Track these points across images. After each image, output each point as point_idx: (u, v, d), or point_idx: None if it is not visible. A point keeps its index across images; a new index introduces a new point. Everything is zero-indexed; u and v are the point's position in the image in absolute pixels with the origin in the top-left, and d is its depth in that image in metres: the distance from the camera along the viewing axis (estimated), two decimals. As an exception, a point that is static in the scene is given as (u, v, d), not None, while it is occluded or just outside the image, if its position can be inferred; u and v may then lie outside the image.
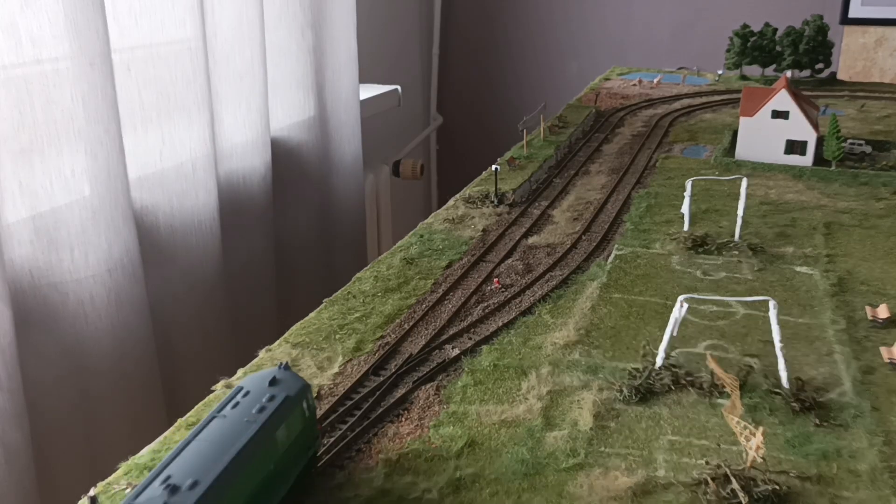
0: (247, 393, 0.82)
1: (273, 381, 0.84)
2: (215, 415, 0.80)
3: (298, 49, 2.27)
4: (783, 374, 1.09)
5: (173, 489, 0.68)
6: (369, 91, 2.88)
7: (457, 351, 1.20)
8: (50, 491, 1.59)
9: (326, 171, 2.48)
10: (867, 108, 2.76)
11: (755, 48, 3.04)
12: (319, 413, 1.04)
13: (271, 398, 0.82)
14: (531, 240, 1.64)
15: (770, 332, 1.11)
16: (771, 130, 2.06)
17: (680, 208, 1.72)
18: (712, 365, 1.07)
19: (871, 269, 1.49)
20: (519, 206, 1.82)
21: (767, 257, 1.54)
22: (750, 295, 1.37)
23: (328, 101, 2.43)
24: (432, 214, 1.75)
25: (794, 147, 2.06)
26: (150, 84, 1.74)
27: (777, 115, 2.05)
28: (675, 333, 1.13)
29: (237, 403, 0.81)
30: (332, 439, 0.99)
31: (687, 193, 1.64)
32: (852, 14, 3.71)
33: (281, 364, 0.88)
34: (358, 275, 1.47)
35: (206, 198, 1.90)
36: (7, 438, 1.43)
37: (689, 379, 1.11)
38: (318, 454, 0.94)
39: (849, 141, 2.17)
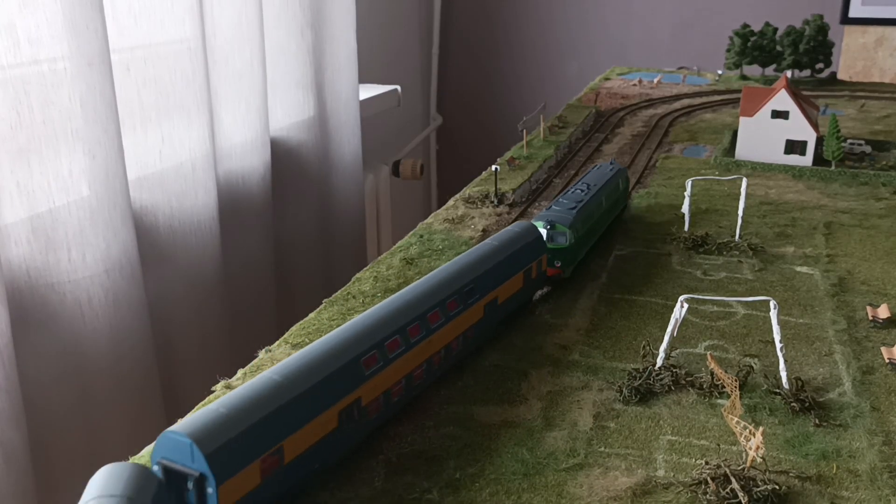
0: (600, 167, 1.66)
1: (612, 162, 1.70)
2: (590, 170, 1.65)
3: (298, 49, 2.27)
4: (783, 375, 1.09)
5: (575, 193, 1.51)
6: (369, 91, 2.87)
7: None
8: (49, 491, 1.58)
9: (326, 171, 2.47)
10: (867, 108, 2.76)
11: (755, 48, 3.04)
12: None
13: (612, 167, 1.67)
14: (531, 240, 1.63)
15: (770, 332, 1.10)
16: (771, 130, 2.06)
17: (680, 208, 1.72)
18: (712, 365, 1.07)
19: (872, 269, 1.49)
20: (519, 206, 1.82)
21: (767, 257, 1.54)
22: (750, 295, 1.37)
23: (328, 101, 2.43)
24: (432, 214, 1.75)
25: (794, 147, 2.06)
26: (150, 84, 1.74)
27: (777, 115, 2.05)
28: (675, 333, 1.13)
29: (598, 168, 1.66)
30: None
31: (687, 193, 1.64)
32: (852, 14, 3.71)
33: (612, 160, 1.84)
34: (357, 275, 1.46)
35: (205, 198, 1.90)
36: (5, 438, 1.42)
37: (688, 379, 1.11)
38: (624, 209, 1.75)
39: (849, 141, 2.17)
